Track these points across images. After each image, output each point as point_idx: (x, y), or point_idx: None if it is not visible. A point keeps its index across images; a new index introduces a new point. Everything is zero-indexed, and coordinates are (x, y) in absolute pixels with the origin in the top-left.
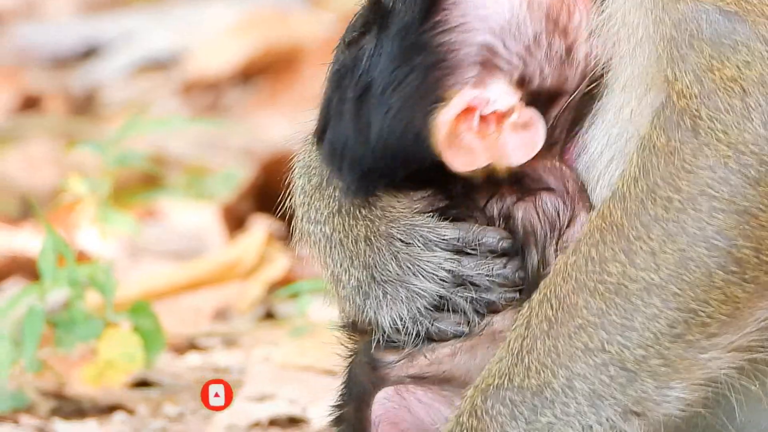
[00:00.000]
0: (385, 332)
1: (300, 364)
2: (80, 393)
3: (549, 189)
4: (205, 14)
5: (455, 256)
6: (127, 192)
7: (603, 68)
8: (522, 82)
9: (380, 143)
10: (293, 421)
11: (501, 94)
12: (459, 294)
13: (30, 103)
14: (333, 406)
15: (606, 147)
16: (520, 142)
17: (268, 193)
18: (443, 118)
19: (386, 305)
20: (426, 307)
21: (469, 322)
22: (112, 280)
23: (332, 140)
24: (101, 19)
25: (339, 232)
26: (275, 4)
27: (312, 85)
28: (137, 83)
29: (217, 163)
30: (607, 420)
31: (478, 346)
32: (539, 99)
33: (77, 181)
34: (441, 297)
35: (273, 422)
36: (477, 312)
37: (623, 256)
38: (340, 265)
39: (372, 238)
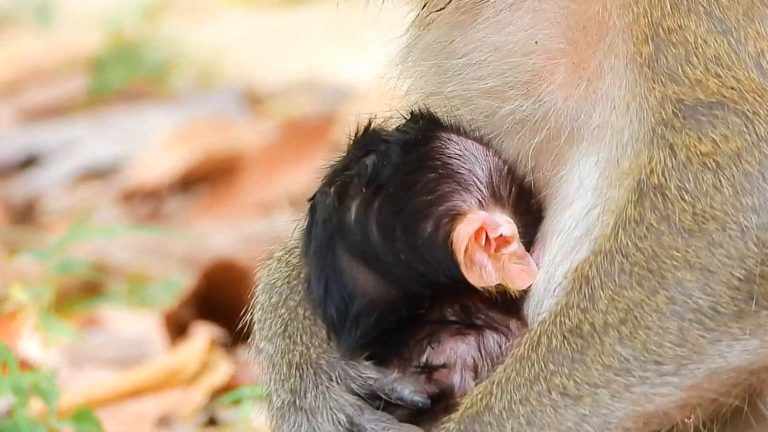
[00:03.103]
0: None
1: None
2: None
3: (492, 327)
4: (145, 123)
5: (361, 403)
6: (68, 300)
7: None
8: (515, 215)
9: (389, 238)
10: None
11: (506, 221)
12: None
13: None
14: None
15: (565, 250)
16: (519, 269)
17: (209, 301)
18: (463, 231)
19: None
20: None
21: None
22: (56, 387)
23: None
24: (41, 128)
25: (278, 353)
26: (215, 112)
27: (252, 193)
28: (77, 192)
29: (158, 271)
30: None
31: None
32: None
33: (19, 289)
34: None
35: None
36: None
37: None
38: (273, 385)
39: (303, 366)
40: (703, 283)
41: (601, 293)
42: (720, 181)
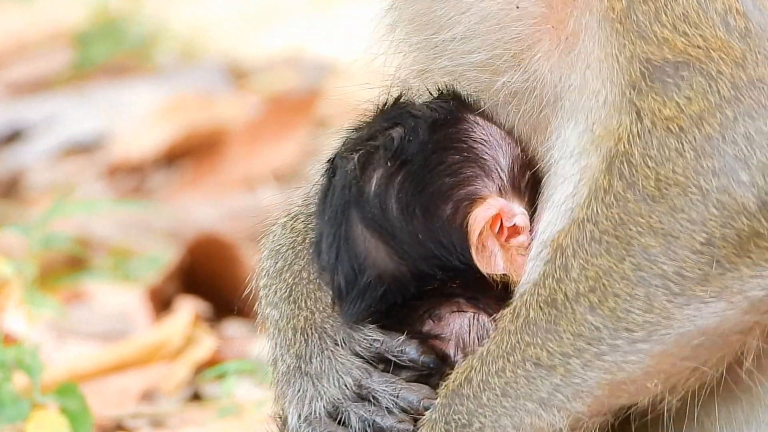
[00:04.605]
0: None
1: None
2: None
3: (487, 312)
4: (129, 97)
5: (368, 366)
6: (52, 274)
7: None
8: (529, 207)
9: (407, 216)
10: None
11: (522, 211)
12: (354, 409)
13: None
14: None
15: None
16: (524, 261)
17: (193, 275)
18: (481, 214)
19: (297, 399)
20: (321, 412)
21: None
22: (39, 362)
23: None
24: (25, 102)
25: (283, 319)
26: (199, 86)
27: (236, 167)
28: (61, 166)
29: (142, 246)
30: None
31: None
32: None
33: (3, 264)
34: (336, 407)
35: None
36: None
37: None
38: (279, 350)
39: (308, 331)
40: (667, 249)
41: (573, 262)
42: (683, 145)
